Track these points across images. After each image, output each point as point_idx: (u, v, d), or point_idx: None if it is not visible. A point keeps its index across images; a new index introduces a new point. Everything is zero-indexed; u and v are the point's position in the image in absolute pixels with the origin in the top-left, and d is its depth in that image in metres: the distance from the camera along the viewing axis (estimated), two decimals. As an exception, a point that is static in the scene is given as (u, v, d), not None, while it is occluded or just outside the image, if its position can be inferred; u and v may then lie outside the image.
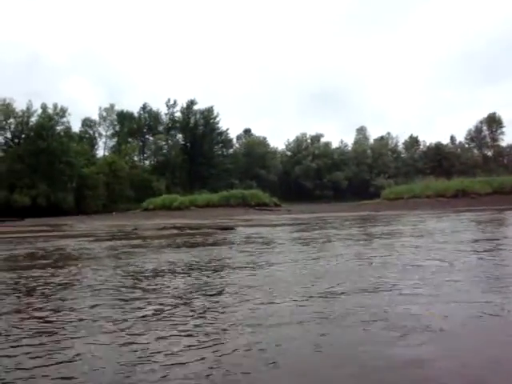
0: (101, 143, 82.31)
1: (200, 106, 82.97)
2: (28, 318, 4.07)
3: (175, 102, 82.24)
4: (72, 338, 3.43)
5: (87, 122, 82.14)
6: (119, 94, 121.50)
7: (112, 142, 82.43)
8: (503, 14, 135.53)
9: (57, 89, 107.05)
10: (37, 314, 4.23)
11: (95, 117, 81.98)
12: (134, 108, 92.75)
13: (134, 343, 3.26)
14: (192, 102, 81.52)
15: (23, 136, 59.37)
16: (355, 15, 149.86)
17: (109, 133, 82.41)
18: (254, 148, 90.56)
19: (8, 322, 3.94)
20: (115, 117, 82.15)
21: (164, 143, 78.40)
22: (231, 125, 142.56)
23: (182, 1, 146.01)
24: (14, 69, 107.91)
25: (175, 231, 16.52)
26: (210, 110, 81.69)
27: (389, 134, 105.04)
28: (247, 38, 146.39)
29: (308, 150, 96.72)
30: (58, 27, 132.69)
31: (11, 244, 12.95)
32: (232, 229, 16.46)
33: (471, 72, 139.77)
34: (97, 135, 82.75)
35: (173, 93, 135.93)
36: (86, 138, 79.21)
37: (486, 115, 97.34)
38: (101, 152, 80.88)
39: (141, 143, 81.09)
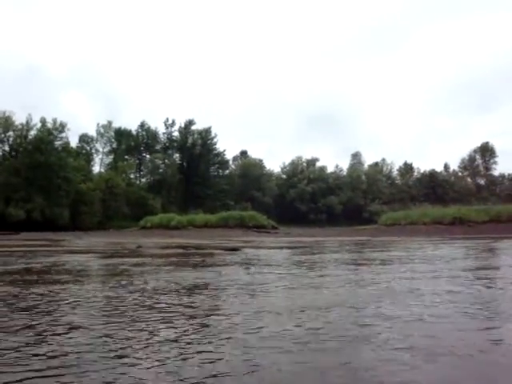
0: (97, 159, 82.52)
1: (197, 126, 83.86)
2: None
3: (173, 122, 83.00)
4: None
5: (84, 138, 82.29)
6: (116, 110, 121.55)
7: (108, 159, 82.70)
8: (498, 45, 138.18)
9: (54, 102, 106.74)
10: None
11: (92, 132, 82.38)
12: (132, 125, 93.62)
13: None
14: (190, 122, 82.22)
15: (21, 149, 59.42)
16: (353, 41, 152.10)
17: (106, 149, 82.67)
18: (249, 170, 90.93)
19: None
20: (112, 134, 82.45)
21: (161, 162, 78.57)
22: (227, 146, 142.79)
23: (184, 20, 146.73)
24: (11, 81, 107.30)
25: (180, 250, 16.60)
26: (207, 131, 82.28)
27: (384, 160, 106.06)
28: (246, 59, 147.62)
29: (303, 174, 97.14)
30: (57, 40, 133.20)
31: (12, 257, 12.97)
32: (238, 250, 16.52)
33: (464, 101, 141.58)
34: (93, 151, 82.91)
35: (170, 111, 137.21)
36: (83, 153, 79.27)
37: (479, 144, 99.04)
38: (97, 168, 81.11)
39: (137, 161, 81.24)
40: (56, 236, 35.24)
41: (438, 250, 16.36)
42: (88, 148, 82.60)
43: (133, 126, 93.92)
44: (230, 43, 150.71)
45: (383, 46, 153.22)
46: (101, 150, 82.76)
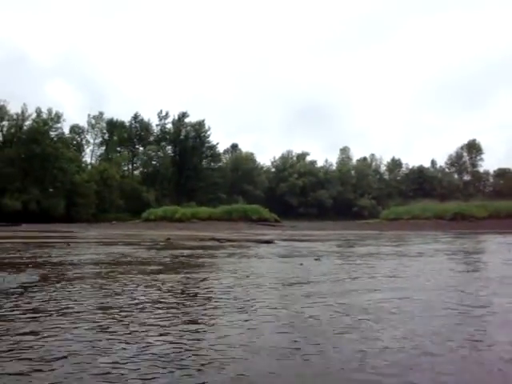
0: (88, 151, 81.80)
1: (190, 118, 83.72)
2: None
3: (167, 114, 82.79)
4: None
5: (75, 129, 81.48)
6: (105, 101, 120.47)
7: (100, 151, 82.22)
8: (486, 42, 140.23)
9: (38, 92, 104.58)
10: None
11: (82, 123, 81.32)
12: (122, 116, 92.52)
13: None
14: (184, 115, 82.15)
15: (15, 140, 58.81)
16: (342, 34, 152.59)
17: (97, 141, 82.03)
18: (241, 163, 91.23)
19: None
20: (104, 125, 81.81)
21: (154, 154, 78.29)
22: (215, 138, 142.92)
23: (175, 11, 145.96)
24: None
25: (216, 243, 16.84)
26: (201, 124, 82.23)
27: (373, 155, 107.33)
28: (235, 52, 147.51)
29: (294, 168, 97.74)
30: (40, 27, 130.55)
31: (59, 249, 13.09)
32: (272, 242, 16.87)
33: (451, 97, 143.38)
34: (84, 142, 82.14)
35: (158, 103, 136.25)
36: (74, 144, 78.54)
37: (466, 141, 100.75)
38: (88, 160, 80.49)
39: (130, 153, 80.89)
40: (61, 228, 35.14)
41: (465, 243, 16.89)
42: (79, 139, 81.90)
43: (123, 117, 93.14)
44: (220, 34, 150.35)
45: (371, 39, 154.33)
46: (92, 141, 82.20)
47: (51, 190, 55.70)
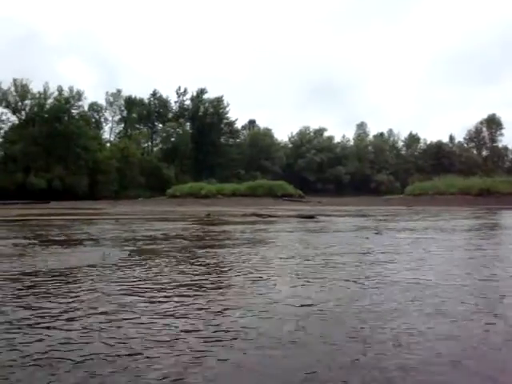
0: (106, 128, 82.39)
1: (209, 94, 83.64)
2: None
3: (185, 90, 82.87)
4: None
5: (93, 107, 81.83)
6: (120, 79, 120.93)
7: (119, 128, 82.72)
8: (502, 15, 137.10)
9: (52, 70, 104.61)
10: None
11: (100, 101, 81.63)
12: (138, 94, 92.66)
13: None
14: (202, 91, 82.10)
15: (38, 118, 59.27)
16: (356, 9, 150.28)
17: (115, 118, 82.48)
18: (258, 139, 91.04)
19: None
20: (122, 102, 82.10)
21: (173, 131, 78.50)
22: (232, 115, 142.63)
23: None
24: (5, 47, 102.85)
25: (258, 218, 17.13)
26: (219, 100, 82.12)
27: (391, 130, 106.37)
28: (249, 27, 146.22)
29: (311, 144, 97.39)
30: (53, 3, 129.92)
31: (115, 225, 13.46)
32: (314, 217, 17.11)
33: (468, 71, 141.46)
34: (102, 120, 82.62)
35: (177, 80, 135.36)
36: (93, 122, 79.05)
37: (485, 116, 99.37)
38: (106, 137, 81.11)
39: (149, 130, 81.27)
40: (89, 205, 35.68)
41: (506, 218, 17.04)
42: (97, 117, 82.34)
43: (141, 94, 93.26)
44: (235, 10, 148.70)
45: (385, 14, 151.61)
46: (110, 118, 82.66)
47: (74, 167, 56.25)
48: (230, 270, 5.62)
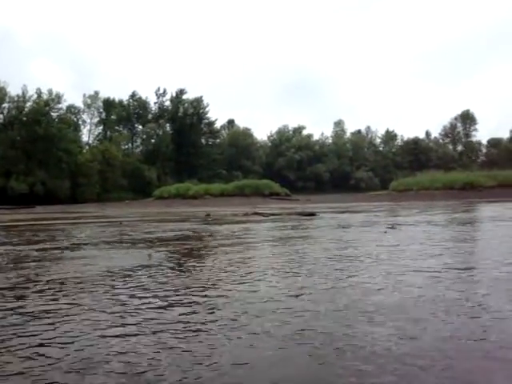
0: (85, 131, 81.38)
1: (186, 95, 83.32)
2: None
3: (165, 91, 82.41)
4: None
5: (71, 109, 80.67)
6: (97, 80, 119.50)
7: (98, 130, 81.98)
8: (475, 12, 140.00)
9: (23, 71, 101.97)
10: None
11: (77, 103, 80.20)
12: (116, 95, 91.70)
13: None
14: (181, 91, 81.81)
15: (17, 122, 58.30)
16: (331, 7, 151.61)
17: (94, 120, 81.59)
18: (238, 139, 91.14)
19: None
20: (101, 104, 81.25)
21: (154, 132, 78.02)
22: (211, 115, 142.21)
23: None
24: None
25: (261, 217, 17.37)
26: (199, 100, 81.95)
27: (368, 127, 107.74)
28: (226, 29, 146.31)
29: (290, 142, 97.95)
30: (24, 4, 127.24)
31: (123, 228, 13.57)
32: (315, 215, 17.44)
33: (443, 68, 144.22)
34: (80, 122, 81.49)
35: (153, 81, 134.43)
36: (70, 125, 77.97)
37: (459, 112, 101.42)
38: (85, 140, 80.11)
39: (129, 131, 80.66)
40: (77, 209, 35.43)
41: (493, 210, 17.55)
42: (75, 119, 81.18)
43: (119, 95, 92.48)
44: (210, 10, 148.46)
45: (360, 11, 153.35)
46: (88, 120, 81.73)
47: (56, 171, 55.51)
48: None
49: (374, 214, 18.32)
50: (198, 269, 5.88)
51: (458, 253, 6.79)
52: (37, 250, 8.10)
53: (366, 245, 7.79)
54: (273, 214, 18.44)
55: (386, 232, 9.81)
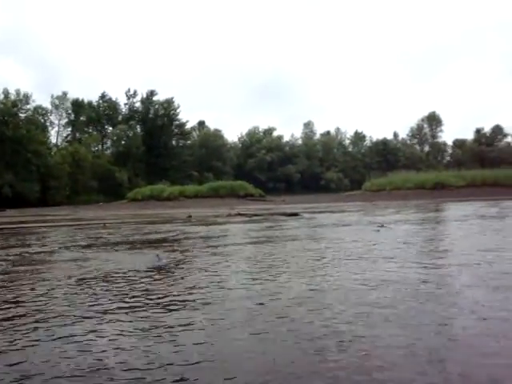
0: (53, 132, 79.89)
1: (157, 96, 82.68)
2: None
3: (135, 93, 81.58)
4: None
5: (38, 110, 79.00)
6: (65, 81, 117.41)
7: (66, 132, 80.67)
8: (440, 15, 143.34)
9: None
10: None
11: (44, 104, 78.57)
12: (85, 96, 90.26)
13: None
14: (152, 93, 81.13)
15: (-17, 123, 56.74)
16: (300, 9, 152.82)
17: (62, 122, 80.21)
18: (209, 140, 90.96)
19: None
20: (69, 105, 79.96)
21: (124, 134, 77.10)
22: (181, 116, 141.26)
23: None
24: None
25: (246, 218, 17.54)
26: (169, 102, 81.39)
27: (338, 129, 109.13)
28: (195, 30, 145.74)
29: (261, 143, 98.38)
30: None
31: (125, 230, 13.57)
32: (298, 215, 17.71)
33: (410, 70, 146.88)
34: (48, 124, 79.86)
35: (117, 82, 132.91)
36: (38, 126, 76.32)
37: (426, 114, 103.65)
38: (53, 141, 78.61)
39: (99, 133, 79.55)
40: (49, 211, 34.82)
41: (482, 208, 18.19)
42: (42, 120, 79.47)
43: (87, 96, 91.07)
44: (179, 11, 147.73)
45: (327, 13, 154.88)
46: (56, 122, 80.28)
47: (25, 173, 54.21)
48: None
49: (354, 213, 18.75)
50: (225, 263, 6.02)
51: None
52: (39, 253, 8.11)
53: (380, 242, 8.09)
54: (255, 215, 18.65)
55: (378, 231, 10.13)
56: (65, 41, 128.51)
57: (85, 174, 63.30)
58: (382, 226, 11.23)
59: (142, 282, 5.14)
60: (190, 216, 19.70)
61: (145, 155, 76.92)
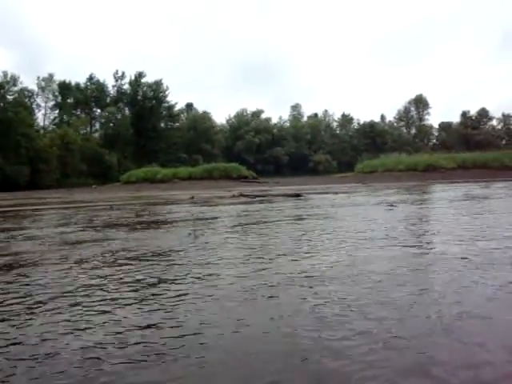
0: (39, 115, 78.96)
1: (145, 78, 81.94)
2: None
3: (123, 74, 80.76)
4: None
5: (24, 92, 77.94)
6: (47, 62, 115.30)
7: (53, 114, 79.76)
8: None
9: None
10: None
11: (30, 86, 77.54)
12: (71, 78, 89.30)
13: None
14: (140, 75, 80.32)
15: (-30, 106, 56.00)
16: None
17: (49, 104, 79.26)
18: (197, 123, 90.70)
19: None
20: (56, 87, 78.97)
21: (113, 116, 76.51)
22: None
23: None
24: None
25: (249, 199, 17.82)
26: (158, 84, 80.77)
27: (326, 111, 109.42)
28: (184, 11, 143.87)
29: (249, 126, 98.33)
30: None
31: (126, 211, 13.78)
32: (301, 196, 18.05)
33: (397, 52, 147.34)
34: (35, 106, 78.90)
35: (106, 64, 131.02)
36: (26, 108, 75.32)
37: (413, 96, 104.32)
38: (40, 124, 77.70)
39: (87, 115, 78.81)
40: (47, 194, 34.66)
41: (482, 189, 18.66)
42: (29, 103, 78.42)
43: (74, 78, 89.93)
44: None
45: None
46: (43, 104, 79.34)
47: (14, 156, 53.68)
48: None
49: (357, 194, 19.09)
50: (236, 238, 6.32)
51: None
52: (75, 232, 8.35)
53: (407, 218, 8.44)
54: (258, 196, 18.92)
55: (391, 209, 10.50)
56: (50, 21, 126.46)
57: (74, 156, 62.87)
58: (392, 205, 11.62)
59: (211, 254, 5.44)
60: (193, 197, 19.94)
61: (133, 138, 76.57)
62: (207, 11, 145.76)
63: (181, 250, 5.90)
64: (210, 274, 4.40)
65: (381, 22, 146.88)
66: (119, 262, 5.28)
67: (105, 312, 3.33)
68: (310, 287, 3.78)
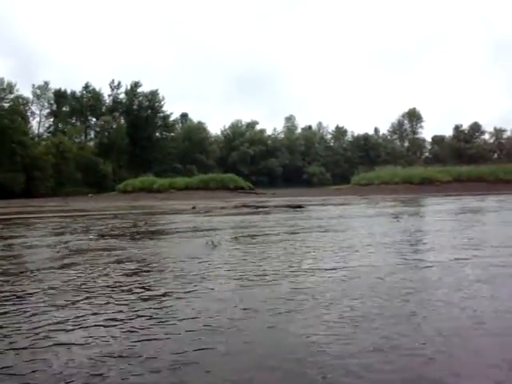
0: (34, 123, 78.82)
1: (141, 88, 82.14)
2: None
3: (119, 84, 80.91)
4: None
5: (19, 100, 77.80)
6: (43, 70, 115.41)
7: (48, 122, 79.68)
8: (419, 12, 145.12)
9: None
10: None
11: (25, 94, 77.42)
12: (67, 86, 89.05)
13: None
14: (136, 84, 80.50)
15: (-35, 113, 55.74)
16: (281, 1, 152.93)
17: (44, 112, 79.20)
18: (192, 133, 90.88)
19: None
20: (51, 95, 79.00)
21: (108, 125, 76.55)
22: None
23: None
24: None
25: (251, 209, 17.96)
26: (154, 94, 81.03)
27: (320, 123, 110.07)
28: (179, 22, 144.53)
29: (244, 137, 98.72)
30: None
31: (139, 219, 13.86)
32: (302, 207, 18.19)
33: (392, 65, 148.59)
34: (29, 114, 78.76)
35: (102, 73, 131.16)
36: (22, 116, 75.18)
37: (406, 110, 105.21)
38: (34, 132, 77.54)
39: (82, 124, 78.76)
40: (44, 202, 34.54)
41: (478, 202, 18.96)
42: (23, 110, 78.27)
43: (70, 87, 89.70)
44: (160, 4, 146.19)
45: (312, 6, 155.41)
46: (38, 112, 79.25)
47: (9, 164, 53.46)
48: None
49: (358, 206, 19.30)
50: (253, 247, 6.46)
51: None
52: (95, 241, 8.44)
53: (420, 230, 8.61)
54: (259, 207, 19.05)
55: (398, 221, 10.68)
56: (46, 29, 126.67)
57: (69, 165, 62.70)
58: (398, 217, 11.81)
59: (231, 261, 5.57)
60: (194, 207, 20.03)
61: (129, 147, 76.57)
62: (202, 23, 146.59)
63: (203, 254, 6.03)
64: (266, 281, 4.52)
65: (375, 36, 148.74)
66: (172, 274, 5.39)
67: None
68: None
